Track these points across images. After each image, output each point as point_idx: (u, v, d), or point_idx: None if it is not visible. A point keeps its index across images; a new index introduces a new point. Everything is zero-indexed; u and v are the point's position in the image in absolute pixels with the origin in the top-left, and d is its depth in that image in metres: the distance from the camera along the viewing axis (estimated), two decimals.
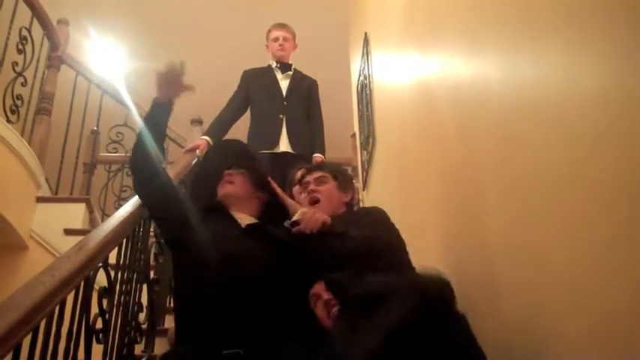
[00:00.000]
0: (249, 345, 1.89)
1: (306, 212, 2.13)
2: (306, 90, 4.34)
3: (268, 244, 2.16)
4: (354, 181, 5.05)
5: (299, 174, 3.15)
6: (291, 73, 4.36)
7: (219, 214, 2.27)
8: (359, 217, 2.32)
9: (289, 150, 4.04)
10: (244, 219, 2.26)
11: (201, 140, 4.09)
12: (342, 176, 2.54)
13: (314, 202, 2.42)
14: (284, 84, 4.30)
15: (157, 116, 2.37)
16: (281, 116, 4.13)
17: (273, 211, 2.31)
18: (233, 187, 2.32)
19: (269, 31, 4.49)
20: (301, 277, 2.07)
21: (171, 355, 1.98)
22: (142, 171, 2.31)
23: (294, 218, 2.11)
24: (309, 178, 2.50)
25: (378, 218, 2.31)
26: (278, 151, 4.03)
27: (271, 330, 1.96)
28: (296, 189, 2.94)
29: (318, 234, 2.06)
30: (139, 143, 2.31)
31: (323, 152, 4.16)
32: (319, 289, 1.95)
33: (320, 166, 2.57)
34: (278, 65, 4.36)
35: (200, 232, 2.16)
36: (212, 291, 2.01)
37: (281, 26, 4.47)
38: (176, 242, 2.30)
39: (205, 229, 2.17)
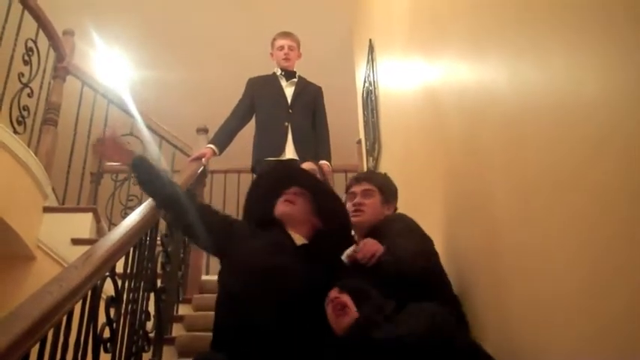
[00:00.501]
0: (285, 358, 1.89)
1: (366, 243, 2.13)
2: (311, 97, 4.33)
3: (320, 266, 2.17)
4: None
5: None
6: (295, 80, 4.34)
7: (275, 228, 2.28)
8: (388, 227, 2.34)
9: (295, 157, 4.03)
10: (298, 239, 2.28)
11: (207, 149, 4.09)
12: (387, 190, 2.59)
13: (359, 211, 2.48)
14: (289, 91, 4.28)
15: (137, 171, 2.52)
16: (286, 124, 4.12)
17: (323, 239, 2.30)
18: (292, 207, 2.32)
19: (274, 39, 4.48)
20: None
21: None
22: (151, 195, 2.53)
23: (349, 252, 2.13)
24: (357, 189, 2.54)
25: (408, 227, 2.33)
26: (284, 158, 4.02)
27: (308, 346, 1.96)
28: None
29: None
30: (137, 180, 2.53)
31: (329, 159, 4.16)
32: (332, 292, 1.97)
33: (368, 178, 2.61)
34: (282, 73, 4.35)
35: (247, 242, 2.22)
36: (255, 301, 2.02)
37: (286, 35, 4.46)
38: (217, 251, 2.36)
39: (254, 240, 2.21)
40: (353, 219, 2.48)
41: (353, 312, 1.89)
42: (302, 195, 2.35)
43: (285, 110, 4.19)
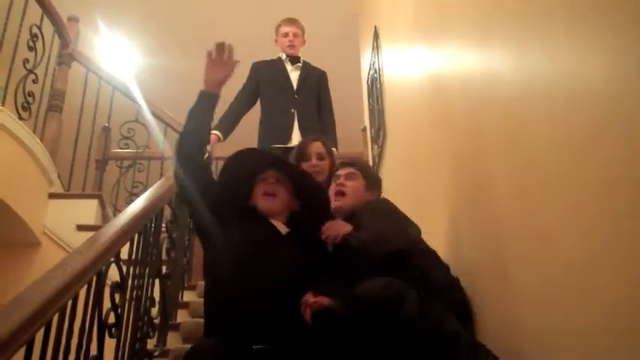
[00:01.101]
0: (278, 341, 1.91)
1: (332, 223, 2.23)
2: (316, 81, 4.29)
3: (307, 251, 2.22)
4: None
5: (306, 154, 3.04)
6: (300, 64, 4.32)
7: (257, 219, 2.30)
8: (365, 209, 2.38)
9: None
10: (280, 227, 2.31)
11: (212, 135, 4.05)
12: (371, 177, 2.63)
13: (340, 194, 2.49)
14: (294, 76, 4.26)
15: (203, 105, 2.44)
16: (292, 110, 4.10)
17: (300, 220, 2.35)
18: (273, 202, 2.32)
19: (279, 25, 4.43)
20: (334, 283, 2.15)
21: (201, 349, 1.97)
22: (186, 152, 2.39)
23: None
24: (341, 172, 2.57)
25: (384, 211, 2.37)
26: (290, 145, 3.99)
27: (300, 328, 1.97)
28: (306, 166, 2.87)
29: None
30: (185, 126, 2.41)
31: (335, 146, 4.13)
32: (308, 297, 2.01)
33: (353, 163, 2.64)
34: (287, 58, 4.33)
35: (232, 230, 2.21)
36: (248, 290, 2.04)
37: (291, 22, 4.41)
38: (208, 234, 2.31)
39: (241, 229, 2.22)
40: (335, 203, 2.49)
41: None
42: (280, 183, 2.35)
43: (291, 96, 4.17)
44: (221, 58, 2.46)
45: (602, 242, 1.17)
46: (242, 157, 2.44)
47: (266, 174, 2.37)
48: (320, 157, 2.91)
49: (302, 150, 2.94)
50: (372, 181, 2.60)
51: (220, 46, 2.46)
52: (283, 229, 2.29)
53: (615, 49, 1.11)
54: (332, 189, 2.54)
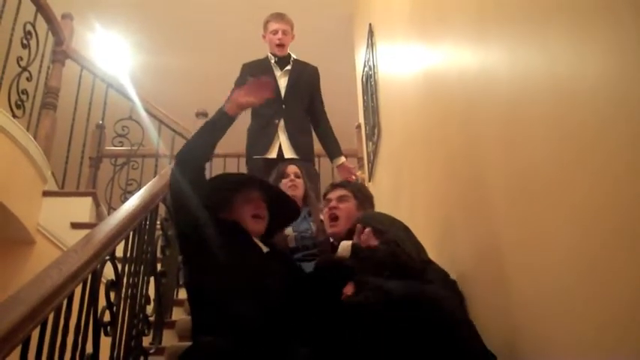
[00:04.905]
0: (284, 349, 1.93)
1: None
2: (308, 82, 4.19)
3: (290, 269, 2.29)
4: (360, 172, 5.08)
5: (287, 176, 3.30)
6: (289, 68, 4.19)
7: (240, 235, 2.29)
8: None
9: (294, 156, 3.89)
10: (261, 245, 2.33)
11: None
12: (362, 195, 2.69)
13: (334, 218, 2.59)
14: (282, 83, 4.12)
15: (219, 124, 2.46)
16: (276, 121, 3.99)
17: (267, 235, 2.41)
18: (263, 225, 2.36)
19: (267, 21, 4.29)
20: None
21: (208, 346, 1.94)
22: (190, 162, 2.35)
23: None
24: (332, 195, 2.64)
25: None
26: (270, 156, 3.92)
27: (288, 338, 1.98)
28: (285, 182, 3.22)
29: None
30: (194, 140, 2.43)
31: (339, 150, 4.10)
32: (347, 289, 2.01)
33: (343, 185, 2.72)
34: (276, 60, 4.20)
35: (219, 238, 2.20)
36: (242, 302, 2.04)
37: (280, 18, 4.27)
38: (198, 241, 2.26)
39: (228, 244, 2.20)
40: (329, 229, 2.60)
41: None
42: (266, 210, 2.39)
43: (278, 105, 4.04)
44: (257, 89, 2.51)
45: (603, 247, 1.17)
46: (228, 175, 2.55)
47: (253, 195, 2.37)
48: (297, 176, 3.32)
49: (280, 171, 3.38)
50: (364, 199, 2.67)
51: (261, 81, 2.55)
52: (264, 248, 2.31)
53: (615, 47, 1.10)
54: (325, 213, 2.61)
